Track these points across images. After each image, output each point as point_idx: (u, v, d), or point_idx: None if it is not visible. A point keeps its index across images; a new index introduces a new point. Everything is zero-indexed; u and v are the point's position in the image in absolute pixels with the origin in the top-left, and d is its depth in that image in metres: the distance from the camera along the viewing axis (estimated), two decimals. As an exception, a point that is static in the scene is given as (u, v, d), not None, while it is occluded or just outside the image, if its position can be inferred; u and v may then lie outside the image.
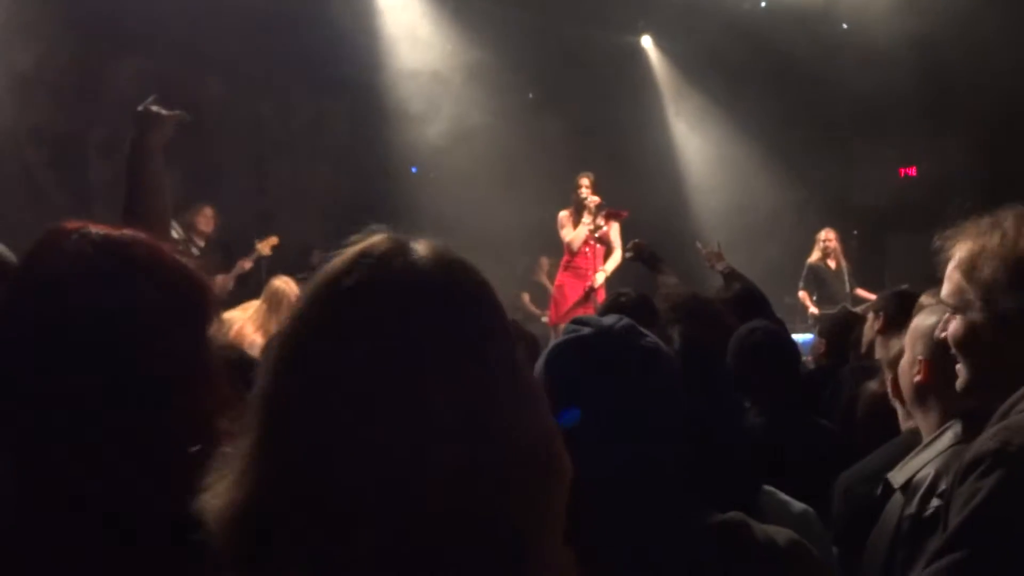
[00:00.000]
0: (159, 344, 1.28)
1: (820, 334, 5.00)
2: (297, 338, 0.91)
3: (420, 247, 0.94)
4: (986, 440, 1.49)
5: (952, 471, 1.63)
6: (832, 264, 9.47)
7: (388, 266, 0.91)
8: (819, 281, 9.43)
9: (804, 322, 9.47)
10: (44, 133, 8.42)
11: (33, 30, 7.84)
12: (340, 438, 0.86)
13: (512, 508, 0.87)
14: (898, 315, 3.42)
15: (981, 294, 1.66)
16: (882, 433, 2.44)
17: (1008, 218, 1.67)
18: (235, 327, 5.40)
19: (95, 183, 8.65)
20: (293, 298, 5.28)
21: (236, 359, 1.86)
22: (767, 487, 1.87)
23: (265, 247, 8.12)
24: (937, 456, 1.93)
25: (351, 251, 0.94)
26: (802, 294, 9.46)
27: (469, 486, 0.85)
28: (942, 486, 1.81)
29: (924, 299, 2.31)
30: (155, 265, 1.36)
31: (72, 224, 1.36)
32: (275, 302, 5.50)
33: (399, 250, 0.93)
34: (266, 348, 0.96)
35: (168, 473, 1.16)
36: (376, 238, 0.95)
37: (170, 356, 1.29)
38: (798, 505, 1.87)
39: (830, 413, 3.32)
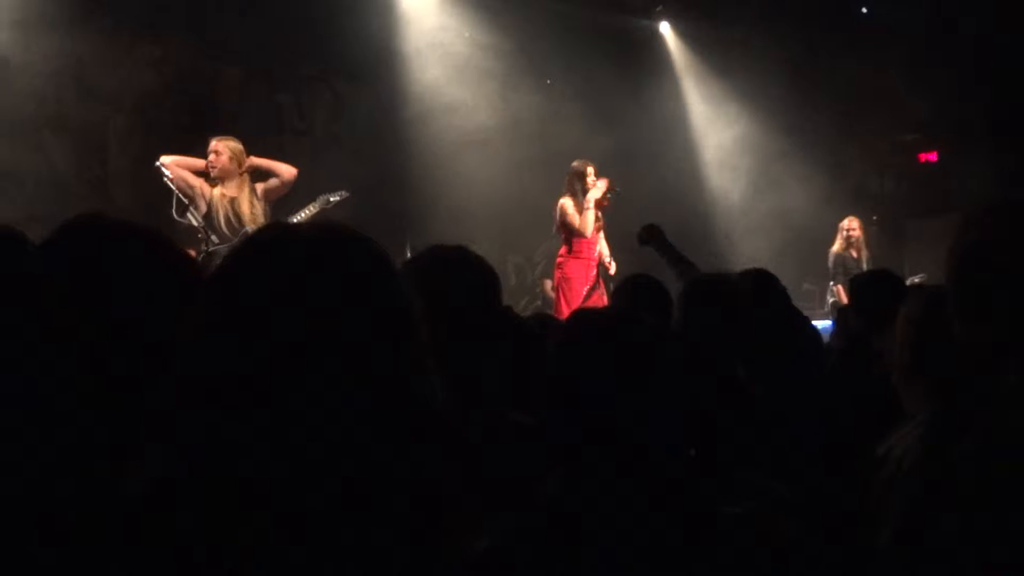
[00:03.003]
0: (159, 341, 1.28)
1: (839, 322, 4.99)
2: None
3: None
4: (969, 440, 1.52)
5: (911, 458, 1.68)
6: (855, 254, 9.40)
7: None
8: (847, 272, 9.36)
9: (822, 308, 9.43)
10: (63, 122, 8.46)
11: (51, 20, 7.89)
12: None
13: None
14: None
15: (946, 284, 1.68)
16: (884, 416, 2.45)
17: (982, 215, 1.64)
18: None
19: (113, 172, 8.70)
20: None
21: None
22: (740, 472, 1.88)
23: None
24: (907, 434, 2.00)
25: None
26: (839, 288, 9.03)
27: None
28: (895, 465, 1.92)
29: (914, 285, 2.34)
30: (175, 264, 1.40)
31: (95, 212, 1.42)
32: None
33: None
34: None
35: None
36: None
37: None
38: (772, 487, 1.88)
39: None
